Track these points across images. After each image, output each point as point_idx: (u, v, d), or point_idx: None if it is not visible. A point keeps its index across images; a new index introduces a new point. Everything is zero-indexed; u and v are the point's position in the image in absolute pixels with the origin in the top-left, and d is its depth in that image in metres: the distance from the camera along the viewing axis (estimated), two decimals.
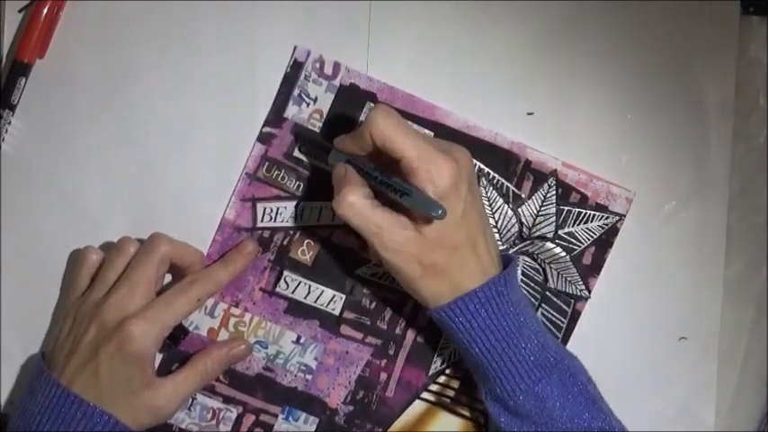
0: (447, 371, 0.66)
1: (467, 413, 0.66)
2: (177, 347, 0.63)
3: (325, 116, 0.64)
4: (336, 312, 0.65)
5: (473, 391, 0.65)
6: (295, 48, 0.64)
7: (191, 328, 0.64)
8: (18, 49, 0.63)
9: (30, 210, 0.65)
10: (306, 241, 0.65)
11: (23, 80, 0.63)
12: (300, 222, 0.65)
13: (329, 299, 0.65)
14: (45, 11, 0.63)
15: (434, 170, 0.55)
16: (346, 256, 0.65)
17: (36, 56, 0.64)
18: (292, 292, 0.65)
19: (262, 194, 0.64)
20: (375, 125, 0.56)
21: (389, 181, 0.56)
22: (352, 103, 0.64)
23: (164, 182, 0.65)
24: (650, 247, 0.66)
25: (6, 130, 0.64)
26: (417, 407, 0.66)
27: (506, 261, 0.61)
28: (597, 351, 0.66)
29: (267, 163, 0.64)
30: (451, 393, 0.66)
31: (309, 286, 0.65)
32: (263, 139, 0.64)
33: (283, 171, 0.64)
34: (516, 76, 0.65)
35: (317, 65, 0.64)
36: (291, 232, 0.65)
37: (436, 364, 0.66)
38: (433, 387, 0.66)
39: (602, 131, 0.65)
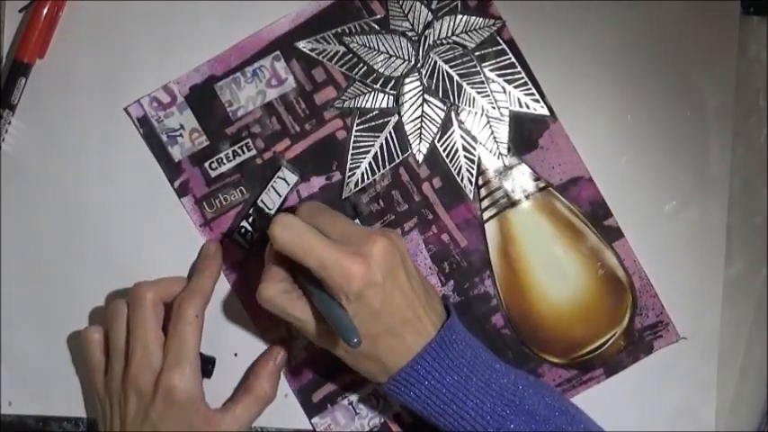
0: (481, 182, 0.65)
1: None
2: (210, 377, 0.63)
3: (200, 126, 0.64)
4: None
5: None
6: (127, 110, 0.64)
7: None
8: (18, 49, 0.63)
9: (30, 210, 0.65)
10: None
11: (23, 80, 0.64)
12: (272, 211, 0.65)
13: None
14: (45, 11, 0.63)
15: (341, 277, 0.55)
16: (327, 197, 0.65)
17: (36, 56, 0.64)
18: None
19: (226, 226, 0.65)
20: (274, 240, 0.56)
21: (313, 294, 0.56)
22: (207, 97, 0.64)
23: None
24: (650, 248, 0.66)
25: (6, 130, 0.64)
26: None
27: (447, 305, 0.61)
28: None
29: (204, 204, 0.65)
30: (501, 194, 0.65)
31: None
32: (182, 191, 0.65)
33: (220, 195, 0.65)
34: None
35: (155, 104, 0.64)
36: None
37: (471, 186, 0.65)
38: (486, 202, 0.65)
39: (602, 131, 0.65)
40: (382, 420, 0.66)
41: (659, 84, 0.65)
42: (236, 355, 0.65)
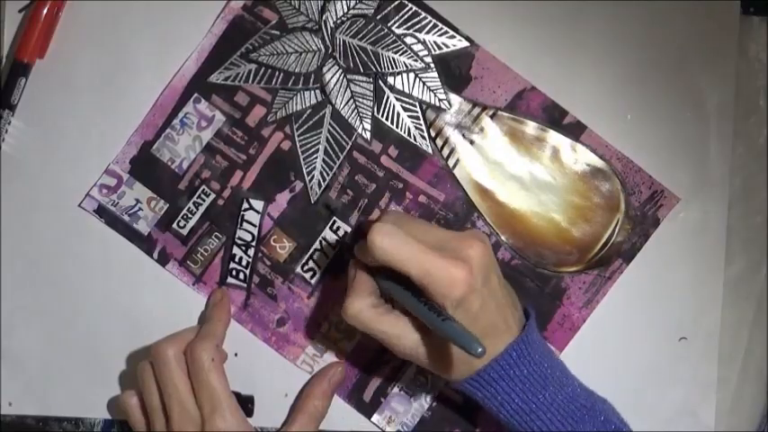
0: (433, 134, 0.65)
1: None
2: (252, 416, 0.63)
3: (155, 194, 0.64)
4: (349, 229, 0.65)
5: None
6: (81, 206, 0.64)
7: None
8: (18, 49, 0.63)
9: (30, 210, 0.65)
10: (271, 241, 0.65)
11: (23, 80, 0.63)
12: (253, 243, 0.65)
13: (333, 238, 0.65)
14: (45, 11, 0.63)
15: (444, 284, 0.55)
16: (306, 216, 0.65)
17: (36, 56, 0.64)
18: (318, 267, 0.65)
19: (217, 275, 0.65)
20: (374, 249, 0.55)
21: (415, 307, 0.56)
22: (149, 164, 0.64)
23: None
24: (650, 247, 0.66)
25: (6, 130, 0.64)
26: None
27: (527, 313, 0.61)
28: (597, 352, 0.66)
29: (188, 262, 0.65)
30: (456, 137, 0.65)
31: (312, 255, 0.65)
32: (163, 259, 0.65)
33: (199, 248, 0.65)
34: None
35: (104, 190, 0.64)
36: (259, 254, 0.65)
37: (426, 141, 0.65)
38: (446, 150, 0.65)
39: (602, 131, 0.65)
40: (437, 392, 0.66)
41: (659, 84, 0.65)
42: (236, 355, 0.65)
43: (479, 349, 0.52)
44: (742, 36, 0.65)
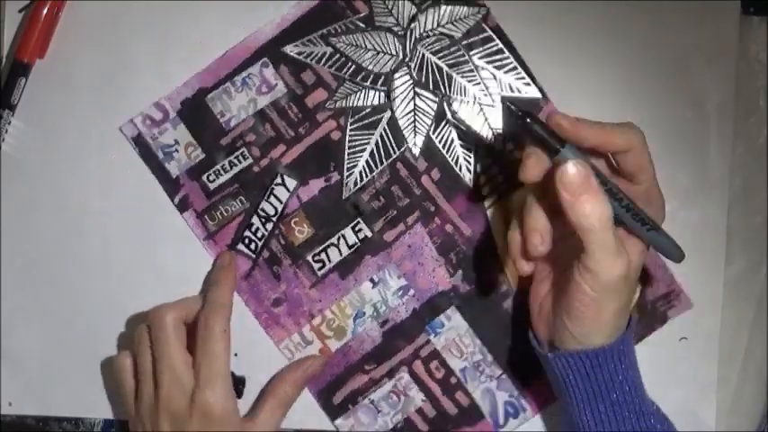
0: (479, 169, 0.65)
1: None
2: (240, 398, 0.63)
3: (195, 140, 0.64)
4: (369, 234, 0.65)
5: None
6: (121, 129, 0.64)
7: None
8: (18, 49, 0.63)
9: (30, 210, 0.65)
10: (291, 222, 0.65)
11: (23, 80, 0.64)
12: (274, 218, 0.65)
13: (352, 239, 0.65)
14: (45, 11, 0.63)
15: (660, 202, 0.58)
16: (333, 209, 0.65)
17: (36, 56, 0.64)
18: (328, 260, 0.65)
19: (229, 238, 0.65)
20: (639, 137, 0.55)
21: (638, 208, 0.56)
22: (199, 110, 0.64)
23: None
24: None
25: (6, 130, 0.64)
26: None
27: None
28: None
29: (206, 217, 0.65)
30: (501, 179, 0.65)
31: (327, 248, 0.65)
32: (183, 206, 0.65)
33: (221, 207, 0.65)
34: None
35: (148, 121, 0.64)
36: (276, 231, 0.65)
37: (470, 175, 0.65)
38: (486, 189, 0.65)
39: None
40: (405, 416, 0.66)
41: (659, 84, 0.65)
42: (236, 355, 0.65)
43: (683, 255, 0.58)
44: (742, 36, 0.65)
